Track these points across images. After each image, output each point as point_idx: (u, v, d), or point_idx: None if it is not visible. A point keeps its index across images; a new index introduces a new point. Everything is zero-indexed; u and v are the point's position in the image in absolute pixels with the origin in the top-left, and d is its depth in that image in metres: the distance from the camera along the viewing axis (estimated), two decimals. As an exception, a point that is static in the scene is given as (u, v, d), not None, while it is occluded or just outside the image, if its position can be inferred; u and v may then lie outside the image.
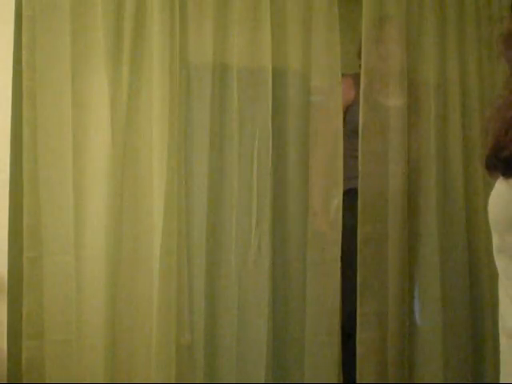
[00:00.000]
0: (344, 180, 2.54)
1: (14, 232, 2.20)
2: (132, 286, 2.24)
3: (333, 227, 2.50)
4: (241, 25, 2.35)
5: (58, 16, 2.23)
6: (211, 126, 2.30)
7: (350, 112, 2.64)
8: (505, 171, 1.16)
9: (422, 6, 2.43)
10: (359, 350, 2.48)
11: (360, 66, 2.58)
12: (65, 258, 2.20)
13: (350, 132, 2.61)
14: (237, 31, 2.34)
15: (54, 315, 2.18)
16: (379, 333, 2.50)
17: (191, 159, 2.37)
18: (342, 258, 2.48)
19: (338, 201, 2.51)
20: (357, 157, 2.55)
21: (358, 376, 2.48)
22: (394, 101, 2.55)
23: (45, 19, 2.22)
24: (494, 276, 2.38)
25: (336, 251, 2.47)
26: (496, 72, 2.56)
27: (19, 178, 2.20)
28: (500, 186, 1.13)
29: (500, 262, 1.13)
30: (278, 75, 2.58)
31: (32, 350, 2.15)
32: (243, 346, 2.39)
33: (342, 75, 2.59)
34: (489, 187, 2.61)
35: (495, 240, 1.09)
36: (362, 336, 2.49)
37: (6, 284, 2.17)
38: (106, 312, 2.19)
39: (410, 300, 2.53)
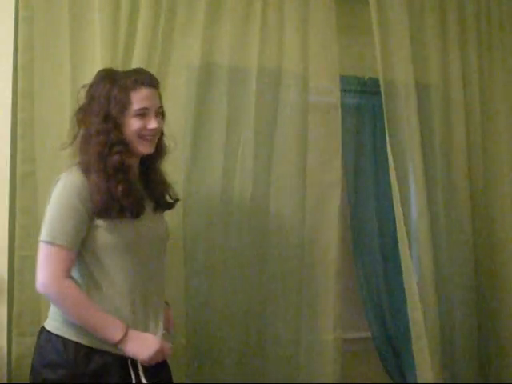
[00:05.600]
0: None
1: (14, 232, 2.19)
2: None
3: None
4: (232, 24, 2.37)
5: (56, 17, 2.23)
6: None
7: None
8: None
9: (423, 9, 2.45)
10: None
11: None
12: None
13: None
14: (229, 31, 2.36)
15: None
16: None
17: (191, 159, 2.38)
18: None
19: (335, 200, 2.52)
20: None
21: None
22: None
23: (42, 20, 2.22)
24: (495, 275, 2.39)
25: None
26: (495, 73, 2.59)
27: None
28: None
29: None
30: (276, 75, 2.59)
31: (22, 347, 2.13)
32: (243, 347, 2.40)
33: None
34: (490, 185, 2.63)
35: None
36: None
37: (6, 284, 2.17)
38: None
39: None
